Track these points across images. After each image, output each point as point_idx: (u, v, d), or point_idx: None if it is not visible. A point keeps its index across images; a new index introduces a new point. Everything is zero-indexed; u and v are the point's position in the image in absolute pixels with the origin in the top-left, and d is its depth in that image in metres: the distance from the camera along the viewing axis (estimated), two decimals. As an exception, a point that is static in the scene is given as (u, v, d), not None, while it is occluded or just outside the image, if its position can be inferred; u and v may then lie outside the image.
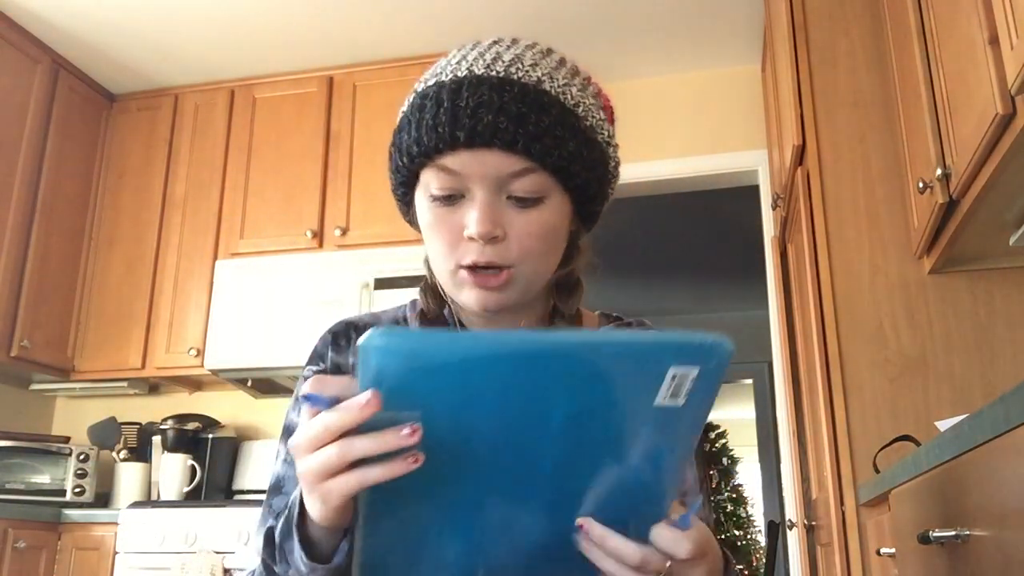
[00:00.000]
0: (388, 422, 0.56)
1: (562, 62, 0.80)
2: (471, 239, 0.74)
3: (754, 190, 3.41)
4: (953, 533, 0.97)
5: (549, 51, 0.80)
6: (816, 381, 2.06)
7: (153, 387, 3.56)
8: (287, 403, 0.89)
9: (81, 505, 3.09)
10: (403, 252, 3.04)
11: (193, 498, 3.16)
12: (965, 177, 1.52)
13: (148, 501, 3.12)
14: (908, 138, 1.92)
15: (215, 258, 3.35)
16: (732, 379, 6.47)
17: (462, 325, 0.86)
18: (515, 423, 0.57)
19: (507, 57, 0.76)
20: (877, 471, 1.76)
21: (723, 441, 7.17)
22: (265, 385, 3.33)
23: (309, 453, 0.57)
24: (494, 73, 0.75)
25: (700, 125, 3.43)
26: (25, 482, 3.04)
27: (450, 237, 0.76)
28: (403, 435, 0.54)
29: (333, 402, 0.56)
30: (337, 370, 0.86)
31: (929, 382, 1.91)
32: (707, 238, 5.14)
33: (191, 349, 3.25)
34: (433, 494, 0.60)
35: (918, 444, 1.70)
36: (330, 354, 0.88)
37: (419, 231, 0.81)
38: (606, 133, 0.81)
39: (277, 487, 0.84)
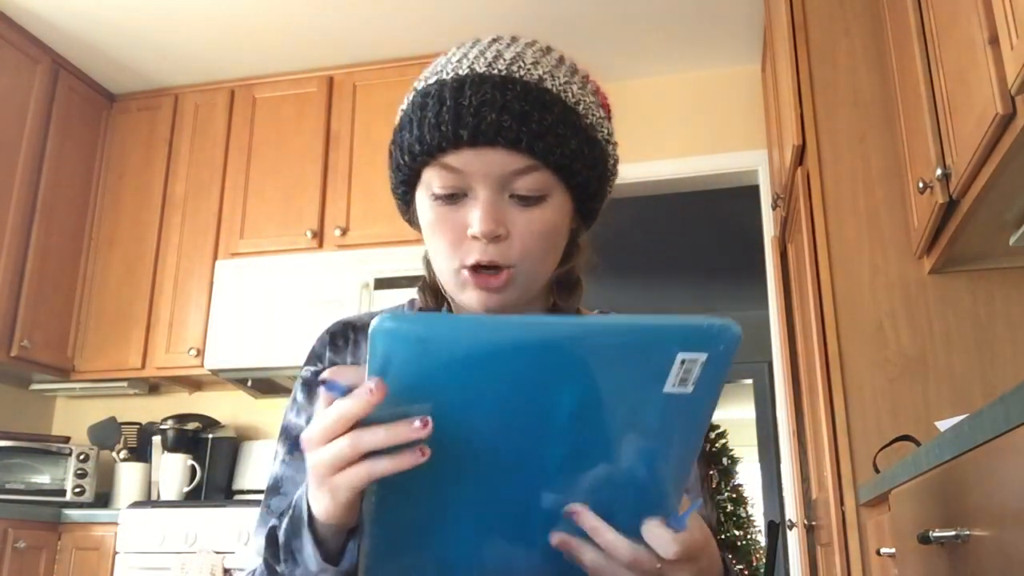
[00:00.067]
0: (400, 415, 0.56)
1: (561, 60, 0.80)
2: (474, 238, 0.74)
3: (754, 190, 3.41)
4: (953, 533, 0.97)
5: (548, 49, 0.80)
6: (816, 381, 2.06)
7: (153, 387, 3.56)
8: (287, 403, 0.89)
9: (81, 505, 3.09)
10: (403, 252, 3.04)
11: (193, 498, 3.16)
12: (965, 177, 1.52)
13: (148, 501, 3.12)
14: (908, 138, 1.92)
15: (215, 258, 3.35)
16: (732, 379, 6.47)
17: None
18: (525, 408, 0.57)
19: (508, 55, 0.76)
20: (877, 471, 1.76)
21: (723, 441, 7.17)
22: (265, 385, 3.33)
23: (321, 445, 0.57)
24: (496, 71, 0.75)
25: (700, 125, 3.43)
26: (25, 482, 3.04)
27: (453, 236, 0.76)
28: (414, 427, 0.54)
29: (349, 391, 0.56)
30: None
31: (929, 382, 1.91)
32: (707, 238, 5.14)
33: (191, 349, 3.25)
34: (441, 484, 0.60)
35: (918, 444, 1.70)
36: (328, 354, 0.88)
37: (419, 230, 0.81)
38: (605, 131, 0.81)
39: (275, 488, 0.84)
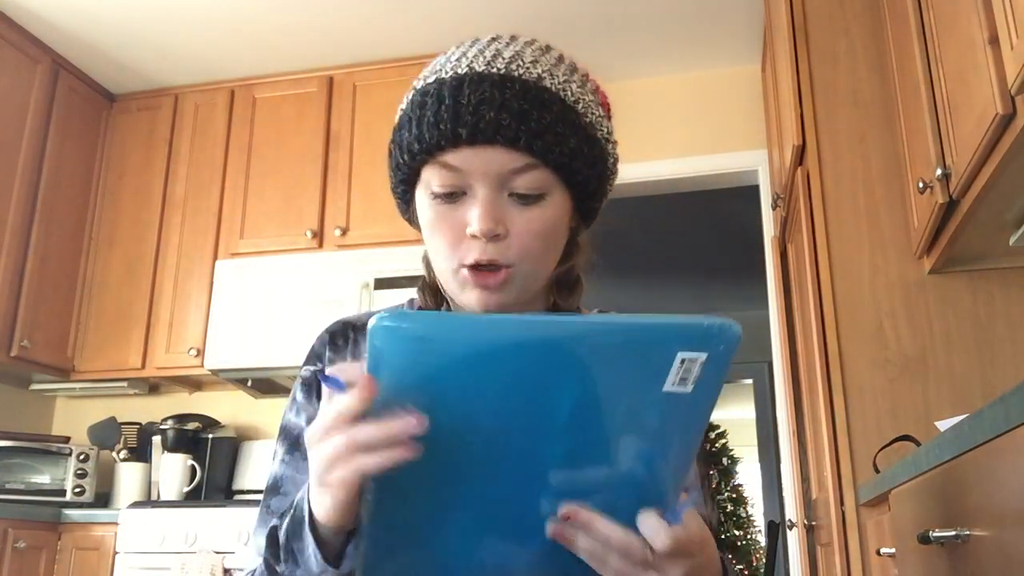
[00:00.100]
0: (388, 405, 0.56)
1: (560, 59, 0.80)
2: (473, 237, 0.74)
3: (754, 190, 3.41)
4: (953, 533, 0.97)
5: (548, 48, 0.80)
6: (816, 381, 2.06)
7: (153, 387, 3.56)
8: (286, 403, 0.89)
9: (81, 505, 3.09)
10: (403, 252, 3.04)
11: (193, 498, 3.16)
12: (965, 177, 1.52)
13: (148, 501, 3.12)
14: (908, 138, 1.92)
15: (215, 258, 3.35)
16: (732, 379, 6.47)
17: None
18: (524, 407, 0.57)
19: (507, 54, 0.76)
20: (877, 471, 1.76)
21: (723, 441, 7.17)
22: (265, 385, 3.33)
23: (321, 442, 0.58)
24: (495, 70, 0.75)
25: (700, 125, 3.43)
26: (25, 482, 3.04)
27: (452, 235, 0.76)
28: (407, 422, 0.55)
29: (347, 387, 0.57)
30: None
31: (929, 382, 1.91)
32: (707, 238, 5.14)
33: (191, 349, 3.25)
34: (439, 483, 0.60)
35: (918, 444, 1.70)
36: (328, 354, 0.88)
37: (419, 230, 0.81)
38: (605, 130, 0.81)
39: (275, 488, 0.83)
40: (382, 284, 3.06)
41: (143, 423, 3.37)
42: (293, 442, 0.85)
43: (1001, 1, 1.27)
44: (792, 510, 2.98)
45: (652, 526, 0.59)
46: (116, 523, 2.85)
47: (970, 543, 0.94)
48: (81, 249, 3.46)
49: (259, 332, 3.13)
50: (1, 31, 3.13)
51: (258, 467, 3.29)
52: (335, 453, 0.57)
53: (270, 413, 3.47)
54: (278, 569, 0.68)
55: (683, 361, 0.55)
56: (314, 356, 0.88)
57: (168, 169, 3.53)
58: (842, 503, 1.91)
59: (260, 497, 0.85)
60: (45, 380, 3.41)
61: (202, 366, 3.21)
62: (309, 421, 0.85)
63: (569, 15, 3.13)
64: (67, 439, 3.24)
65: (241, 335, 3.15)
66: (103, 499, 3.28)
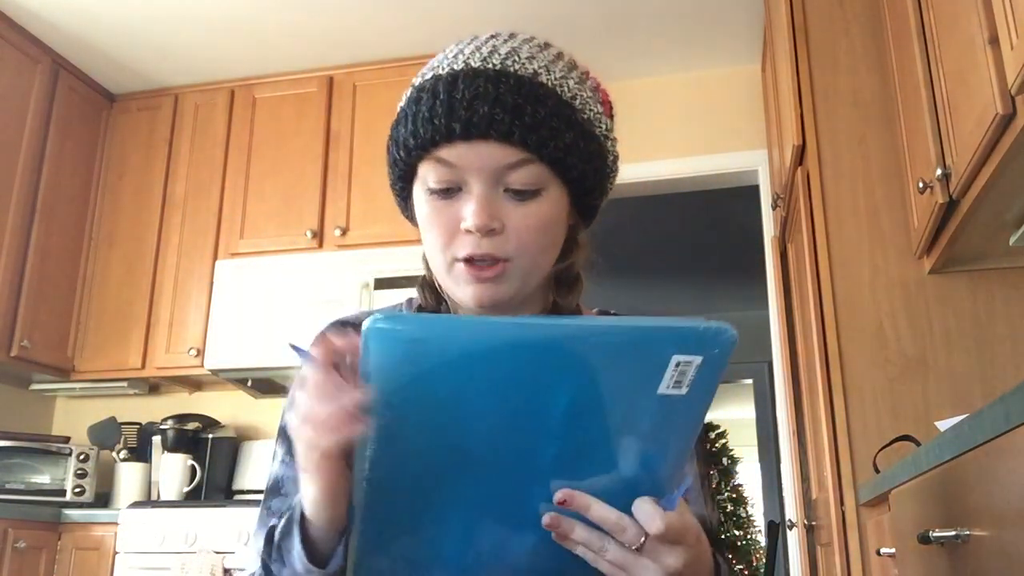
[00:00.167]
0: (393, 415, 0.56)
1: (559, 56, 0.80)
2: (468, 232, 0.74)
3: (754, 190, 3.41)
4: (953, 533, 0.97)
5: (547, 45, 0.80)
6: (816, 381, 2.06)
7: (153, 387, 3.56)
8: (285, 403, 0.89)
9: (81, 505, 3.09)
10: (403, 252, 3.04)
11: (193, 498, 3.16)
12: (965, 177, 1.52)
13: (148, 501, 3.12)
14: (908, 138, 1.92)
15: (215, 258, 3.35)
16: (732, 379, 6.47)
17: None
18: (518, 409, 0.57)
19: (504, 50, 0.76)
20: (877, 471, 1.76)
21: (723, 441, 7.17)
22: (265, 385, 3.33)
23: (296, 429, 0.60)
24: (490, 66, 0.75)
25: (700, 125, 3.43)
26: (25, 482, 3.04)
27: (446, 230, 0.76)
28: (353, 395, 0.56)
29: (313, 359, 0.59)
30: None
31: (929, 382, 1.91)
32: (707, 238, 5.14)
33: (191, 349, 3.25)
34: (435, 482, 0.60)
35: (918, 444, 1.70)
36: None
37: (417, 226, 0.81)
38: (604, 127, 0.80)
39: (275, 489, 0.83)
40: (382, 284, 3.05)
41: (143, 423, 3.37)
42: (292, 443, 0.85)
43: (1001, 1, 1.27)
44: (792, 510, 2.98)
45: (647, 511, 0.59)
46: (116, 523, 2.85)
47: (970, 543, 0.94)
48: (81, 249, 3.46)
49: (259, 332, 3.13)
50: (1, 31, 3.13)
51: (258, 467, 3.29)
52: (301, 434, 0.59)
53: (270, 413, 3.47)
54: (273, 569, 0.69)
55: (678, 364, 0.56)
56: None
57: (168, 169, 3.53)
58: (842, 503, 1.91)
59: (260, 497, 0.86)
60: (45, 380, 3.41)
61: (202, 366, 3.21)
62: None
63: (569, 15, 3.13)
64: (67, 439, 3.24)
65: (241, 335, 3.15)
66: (103, 499, 3.28)
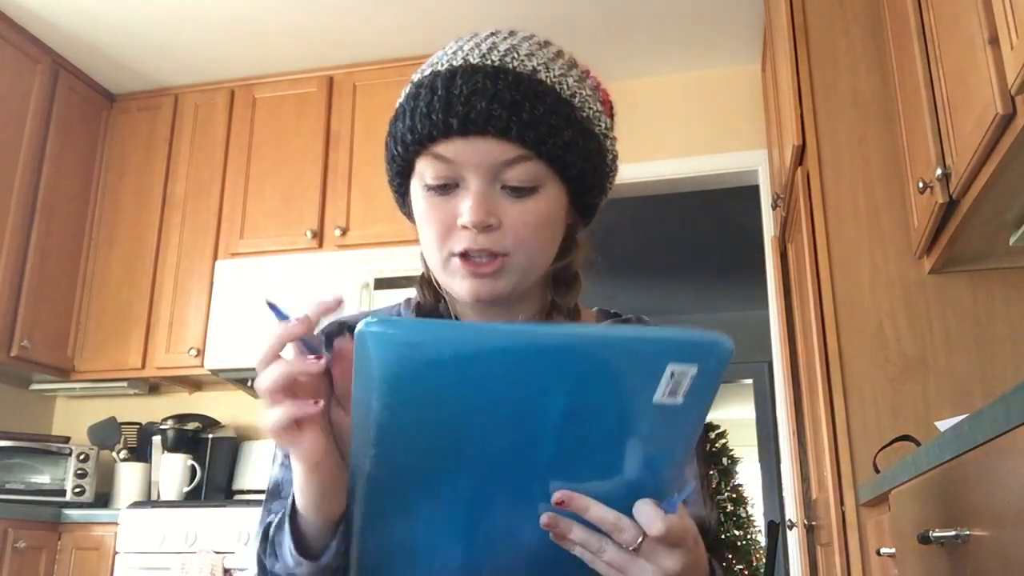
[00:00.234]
0: (387, 417, 0.56)
1: (559, 54, 0.80)
2: (464, 228, 0.74)
3: (754, 190, 3.41)
4: (953, 533, 0.97)
5: (546, 43, 0.80)
6: (816, 381, 2.06)
7: (153, 387, 3.56)
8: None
9: (81, 505, 3.09)
10: (403, 252, 3.04)
11: (193, 498, 3.16)
12: (965, 177, 1.52)
13: (148, 501, 3.12)
14: (908, 138, 1.92)
15: (215, 258, 3.35)
16: (732, 379, 6.47)
17: (458, 319, 0.85)
18: (513, 415, 0.57)
19: (503, 47, 0.76)
20: (877, 471, 1.76)
21: (723, 441, 7.17)
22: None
23: (263, 369, 0.62)
24: (489, 62, 0.75)
25: (700, 125, 3.43)
26: (25, 482, 3.04)
27: (443, 226, 0.75)
28: (309, 360, 0.59)
29: (287, 318, 0.61)
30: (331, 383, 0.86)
31: (929, 382, 1.91)
32: (707, 238, 5.14)
33: (191, 349, 3.25)
34: (431, 488, 0.60)
35: (918, 444, 1.70)
36: (325, 354, 0.87)
37: (414, 223, 0.81)
38: (603, 125, 0.80)
39: (276, 492, 0.83)
40: (382, 284, 3.05)
41: (143, 423, 3.37)
42: None
43: (1001, 1, 1.27)
44: (792, 510, 2.98)
45: (648, 513, 0.59)
46: (116, 523, 2.85)
47: (970, 543, 0.94)
48: (81, 249, 3.46)
49: (259, 332, 3.12)
50: (1, 31, 3.13)
51: (258, 467, 3.29)
52: (269, 414, 0.60)
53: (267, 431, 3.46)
54: (267, 563, 0.69)
55: (673, 373, 0.56)
56: None
57: (168, 169, 3.53)
58: (842, 503, 1.91)
59: (260, 497, 0.86)
60: (45, 380, 3.41)
61: (202, 366, 3.21)
62: None
63: (569, 15, 3.13)
64: (67, 439, 3.24)
65: (241, 335, 3.15)
66: (103, 499, 3.28)
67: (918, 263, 1.99)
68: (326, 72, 3.49)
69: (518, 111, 0.72)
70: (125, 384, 3.40)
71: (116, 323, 3.37)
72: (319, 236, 3.28)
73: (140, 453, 3.32)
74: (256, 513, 0.84)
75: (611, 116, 0.83)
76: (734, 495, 7.11)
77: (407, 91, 0.79)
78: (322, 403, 0.60)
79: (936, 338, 1.94)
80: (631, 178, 3.32)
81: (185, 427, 3.25)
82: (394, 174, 0.81)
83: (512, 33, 0.79)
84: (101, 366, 3.35)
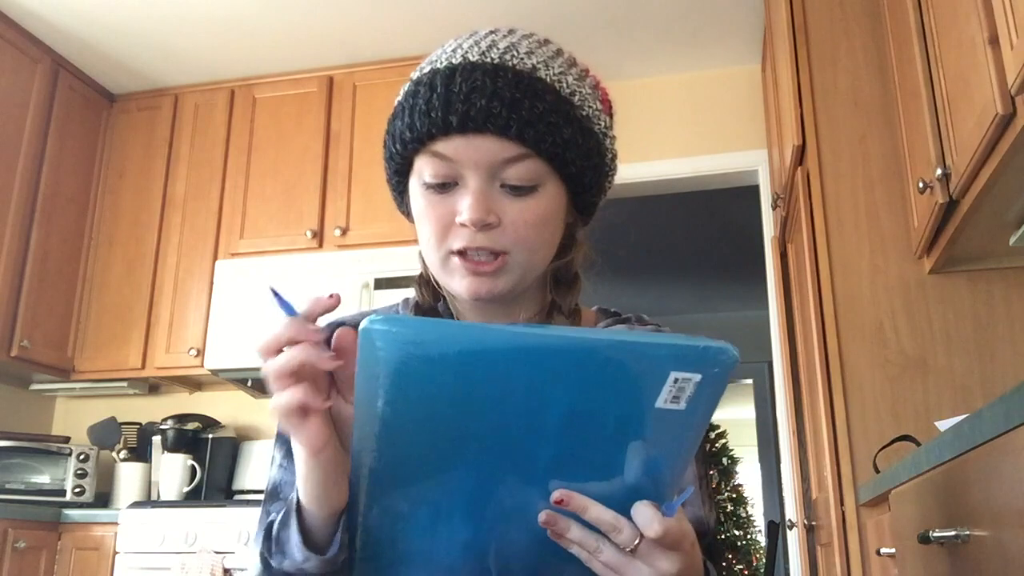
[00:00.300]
0: (388, 414, 0.56)
1: (559, 52, 0.79)
2: (463, 226, 0.74)
3: (754, 190, 3.41)
4: (953, 533, 0.97)
5: (546, 41, 0.80)
6: (816, 381, 2.06)
7: (153, 387, 3.56)
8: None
9: (81, 505, 3.09)
10: (403, 252, 3.04)
11: (193, 498, 3.16)
12: (965, 177, 1.52)
13: (148, 501, 3.12)
14: (908, 138, 1.92)
15: (215, 258, 3.35)
16: (732, 379, 6.44)
17: (457, 319, 0.85)
18: (513, 416, 0.57)
19: (502, 45, 0.76)
20: (877, 471, 1.76)
21: (723, 441, 7.17)
22: (265, 385, 3.33)
23: (267, 358, 0.64)
24: (489, 60, 0.74)
25: (700, 125, 3.43)
26: (25, 482, 3.04)
27: (441, 224, 0.75)
28: (324, 355, 0.60)
29: (292, 312, 0.63)
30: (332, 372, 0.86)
31: (929, 382, 1.91)
32: (707, 238, 5.14)
33: (191, 349, 3.25)
34: (432, 483, 0.60)
35: (918, 444, 1.70)
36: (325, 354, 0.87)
37: (412, 221, 0.80)
38: (603, 124, 0.80)
39: (275, 494, 0.83)
40: (382, 284, 3.06)
41: (143, 423, 3.37)
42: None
43: (1001, 1, 1.27)
44: (792, 510, 2.98)
45: (646, 515, 0.59)
46: (116, 523, 2.85)
47: (970, 543, 0.94)
48: (81, 249, 3.46)
49: (259, 332, 3.12)
50: (1, 31, 3.13)
51: (258, 467, 3.29)
52: (277, 397, 0.61)
53: (270, 413, 3.46)
54: (272, 562, 0.69)
55: (676, 380, 0.56)
56: None
57: (168, 169, 3.53)
58: (842, 503, 1.91)
59: (260, 497, 0.86)
60: (45, 380, 3.41)
61: (202, 366, 3.21)
62: None
63: (569, 15, 3.13)
64: (67, 439, 3.24)
65: (241, 335, 3.15)
66: (103, 499, 3.28)
67: (918, 263, 1.99)
68: (326, 72, 3.49)
69: (518, 109, 0.72)
70: (125, 384, 3.40)
71: (116, 323, 3.37)
72: (319, 236, 3.28)
73: (140, 453, 3.32)
74: (256, 513, 0.84)
75: (610, 115, 0.83)
76: (734, 495, 7.10)
77: (406, 89, 0.79)
78: (330, 402, 0.61)
79: (936, 338, 1.94)
80: (631, 178, 3.32)
81: (185, 427, 3.25)
82: (393, 172, 0.81)
83: (511, 31, 0.79)
84: (101, 366, 3.35)
